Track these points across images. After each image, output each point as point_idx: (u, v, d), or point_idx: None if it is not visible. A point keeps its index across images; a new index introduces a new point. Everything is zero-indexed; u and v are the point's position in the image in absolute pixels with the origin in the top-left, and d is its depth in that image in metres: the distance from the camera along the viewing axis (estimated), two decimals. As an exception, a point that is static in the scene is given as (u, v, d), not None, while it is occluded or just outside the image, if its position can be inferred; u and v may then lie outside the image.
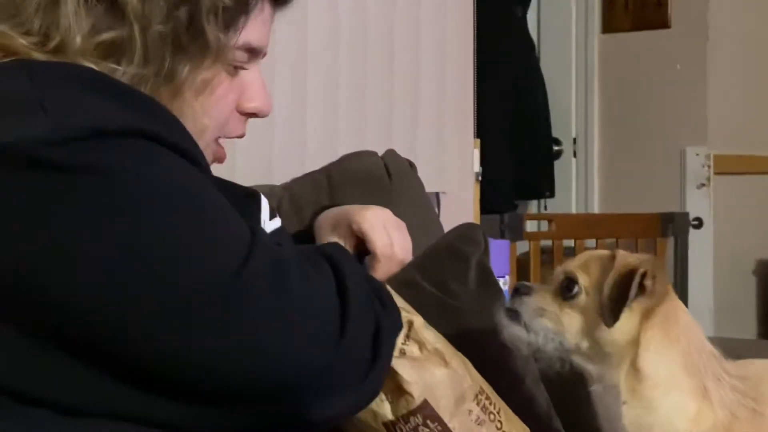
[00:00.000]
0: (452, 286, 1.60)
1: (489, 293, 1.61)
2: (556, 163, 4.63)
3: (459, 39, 3.14)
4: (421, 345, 1.28)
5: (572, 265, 1.41)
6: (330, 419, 1.11)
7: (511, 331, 1.40)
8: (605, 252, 1.41)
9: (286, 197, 2.14)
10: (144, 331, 1.00)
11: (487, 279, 1.64)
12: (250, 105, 1.29)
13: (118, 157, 1.01)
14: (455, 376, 1.29)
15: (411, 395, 1.25)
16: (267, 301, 1.03)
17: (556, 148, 4.67)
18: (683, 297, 3.78)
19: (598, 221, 4.11)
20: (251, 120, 1.33)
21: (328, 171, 2.19)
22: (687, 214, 4.18)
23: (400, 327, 1.22)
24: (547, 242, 3.66)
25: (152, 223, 1.01)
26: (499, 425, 1.32)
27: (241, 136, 1.31)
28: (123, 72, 1.11)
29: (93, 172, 1.00)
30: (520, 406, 1.45)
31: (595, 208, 4.62)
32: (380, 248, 1.50)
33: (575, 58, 4.69)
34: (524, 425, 1.40)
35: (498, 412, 1.33)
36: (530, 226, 3.79)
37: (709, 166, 4.34)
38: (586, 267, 1.39)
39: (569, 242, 3.66)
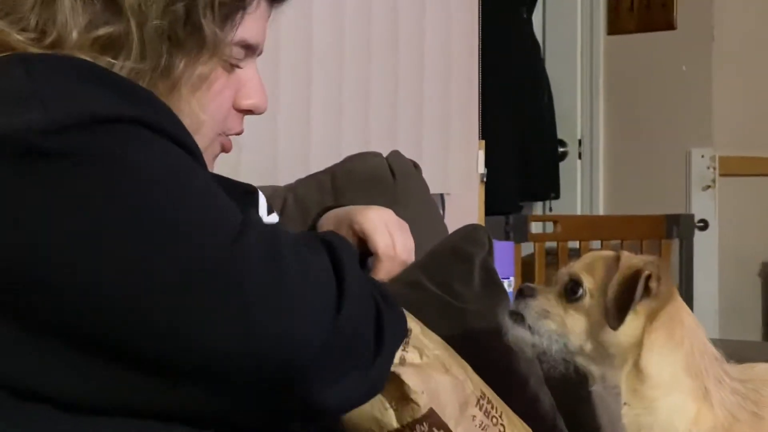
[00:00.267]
0: (456, 288, 1.60)
1: (493, 295, 1.61)
2: (561, 165, 4.63)
3: (464, 40, 3.14)
4: (422, 352, 1.26)
5: (577, 267, 1.41)
6: (338, 406, 1.09)
7: (516, 333, 1.40)
8: (610, 253, 1.41)
9: (290, 198, 2.14)
10: (137, 313, 0.99)
11: (492, 280, 1.64)
12: (247, 102, 1.29)
13: (114, 143, 1.01)
14: (457, 382, 1.28)
15: (417, 403, 1.23)
16: (260, 274, 1.01)
17: (561, 149, 4.66)
18: (688, 299, 3.77)
19: (603, 223, 4.10)
20: (256, 121, 1.33)
21: (332, 172, 2.19)
22: (692, 215, 4.16)
23: (404, 323, 1.18)
24: (552, 244, 3.65)
25: (147, 207, 1.00)
26: (502, 429, 1.32)
27: (239, 134, 1.31)
28: (120, 67, 1.11)
29: (89, 159, 1.00)
30: (525, 407, 1.45)
31: (600, 210, 4.61)
32: (382, 249, 1.50)
33: (580, 60, 4.68)
34: (527, 426, 1.39)
35: (500, 416, 1.33)
36: (535, 227, 3.78)
37: (714, 168, 4.33)
38: (590, 269, 1.39)
39: (574, 244, 3.65)
